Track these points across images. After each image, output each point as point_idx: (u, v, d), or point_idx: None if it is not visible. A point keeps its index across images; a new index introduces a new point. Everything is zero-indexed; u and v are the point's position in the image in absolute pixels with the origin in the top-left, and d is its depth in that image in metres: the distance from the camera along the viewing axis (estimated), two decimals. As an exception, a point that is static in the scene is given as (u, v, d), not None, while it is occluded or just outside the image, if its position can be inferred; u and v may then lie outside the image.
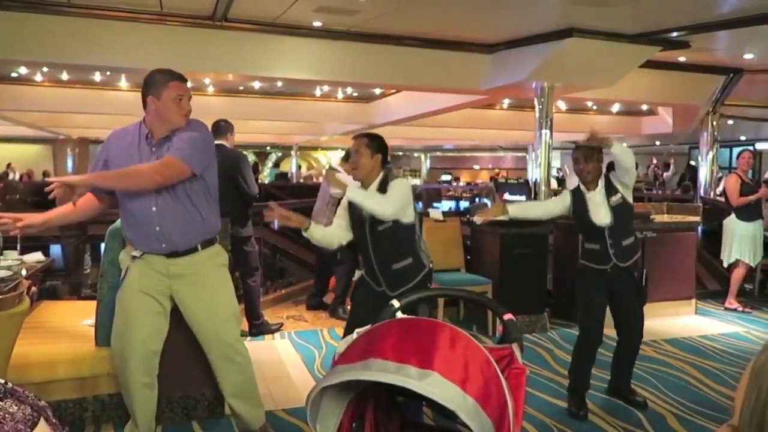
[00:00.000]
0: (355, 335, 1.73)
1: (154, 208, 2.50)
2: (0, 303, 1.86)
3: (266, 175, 20.73)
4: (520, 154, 20.47)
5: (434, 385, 1.34)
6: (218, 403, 3.16)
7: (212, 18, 5.36)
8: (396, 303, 1.89)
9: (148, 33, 5.36)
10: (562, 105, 10.25)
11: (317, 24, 5.58)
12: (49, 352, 2.89)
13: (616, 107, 10.70)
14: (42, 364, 2.82)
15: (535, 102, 6.16)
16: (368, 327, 1.72)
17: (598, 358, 3.44)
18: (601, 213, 3.26)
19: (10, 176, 15.50)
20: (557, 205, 3.50)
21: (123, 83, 8.94)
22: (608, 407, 3.39)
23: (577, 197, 3.35)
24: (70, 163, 15.10)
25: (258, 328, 4.71)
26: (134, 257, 2.58)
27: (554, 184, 11.70)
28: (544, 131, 6.10)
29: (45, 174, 16.55)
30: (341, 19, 5.43)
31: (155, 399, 2.72)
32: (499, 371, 1.54)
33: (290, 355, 4.31)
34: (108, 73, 7.98)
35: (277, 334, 4.78)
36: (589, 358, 3.36)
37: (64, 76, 8.49)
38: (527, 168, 16.44)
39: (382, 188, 2.81)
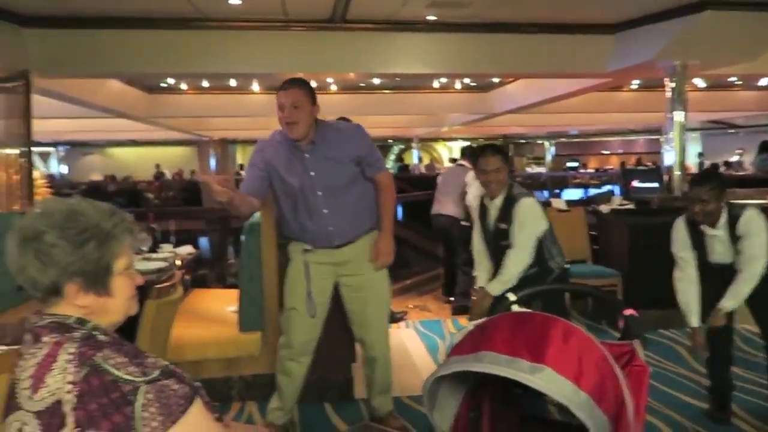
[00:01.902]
0: (471, 327, 1.78)
1: (325, 210, 2.66)
2: (158, 292, 2.13)
3: (390, 168, 21.19)
4: (654, 137, 19.11)
5: (546, 380, 1.36)
6: (349, 386, 3.36)
7: (332, 20, 5.62)
8: (511, 296, 1.92)
9: (275, 40, 5.74)
10: (699, 82, 9.43)
11: (432, 18, 5.64)
12: (199, 335, 3.25)
13: (764, 81, 9.64)
14: (194, 345, 3.17)
15: (666, 82, 5.76)
16: (483, 319, 1.77)
17: (749, 359, 3.17)
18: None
19: (165, 175, 17.24)
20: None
21: (255, 87, 9.61)
22: (756, 411, 3.14)
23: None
24: (213, 162, 16.49)
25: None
26: (306, 251, 2.74)
27: (693, 169, 10.77)
28: (676, 112, 5.68)
29: (192, 173, 18.20)
30: (454, 11, 5.45)
31: (304, 379, 2.89)
32: (616, 367, 1.52)
33: (415, 343, 4.44)
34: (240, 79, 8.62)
35: (402, 323, 4.94)
36: (724, 357, 3.11)
37: (205, 84, 9.29)
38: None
39: (507, 208, 2.88)
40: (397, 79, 8.63)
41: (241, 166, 19.02)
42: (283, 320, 2.87)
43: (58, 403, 1.14)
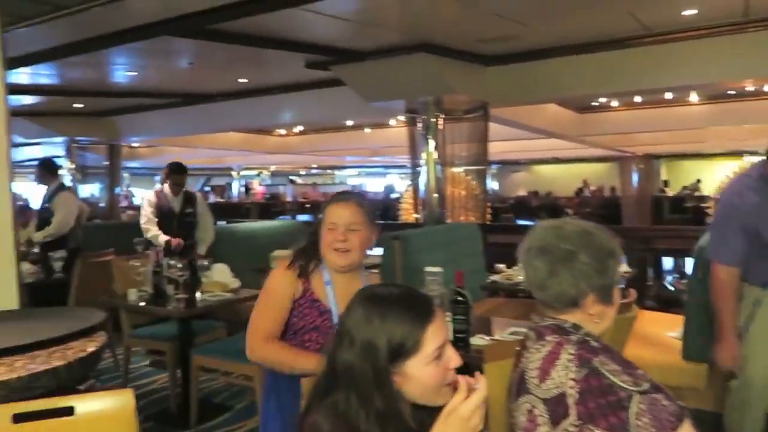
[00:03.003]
0: None
1: None
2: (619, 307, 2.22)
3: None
4: None
5: None
6: None
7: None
8: None
9: (726, 45, 5.20)
10: None
11: None
12: (641, 355, 3.20)
13: None
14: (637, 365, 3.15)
15: None
16: None
17: None
18: None
19: (585, 192, 17.55)
20: None
21: (693, 98, 8.90)
22: None
23: None
24: (635, 178, 15.95)
25: None
26: None
27: None
28: None
29: (612, 189, 17.99)
30: None
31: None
32: None
33: None
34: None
35: None
36: None
37: (638, 99, 9.09)
38: None
39: None
40: None
41: (665, 183, 17.78)
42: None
43: (563, 395, 1.33)
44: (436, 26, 5.09)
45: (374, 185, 23.74)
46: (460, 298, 2.52)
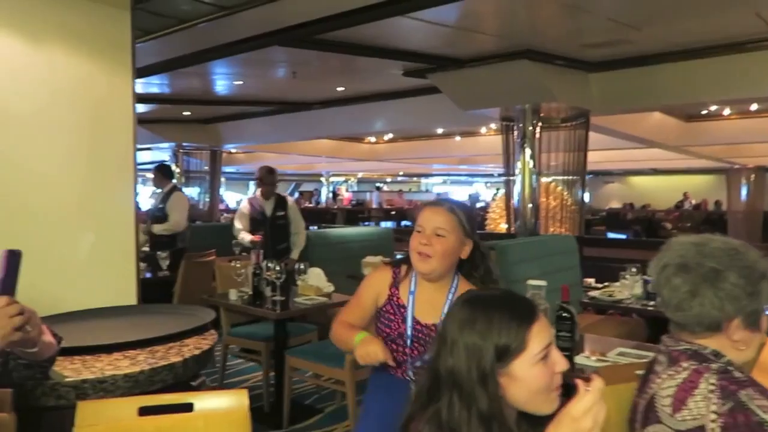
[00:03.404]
0: None
1: None
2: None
3: None
4: None
5: None
6: None
7: None
8: None
9: None
10: None
11: None
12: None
13: None
14: None
15: None
16: None
17: None
18: None
19: (685, 205, 16.53)
20: None
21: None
22: None
23: None
24: (744, 192, 14.85)
25: None
26: None
27: None
28: None
29: (717, 203, 16.83)
30: None
31: None
32: None
33: None
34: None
35: None
36: None
37: (754, 107, 8.44)
38: None
39: None
40: None
41: (779, 197, 16.40)
42: None
43: (701, 429, 1.22)
44: (541, 32, 4.99)
45: (459, 193, 23.56)
46: (565, 314, 2.41)
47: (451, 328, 1.15)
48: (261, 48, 4.65)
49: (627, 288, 4.04)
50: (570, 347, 2.39)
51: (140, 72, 5.61)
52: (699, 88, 5.56)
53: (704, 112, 8.81)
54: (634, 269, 4.05)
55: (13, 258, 1.34)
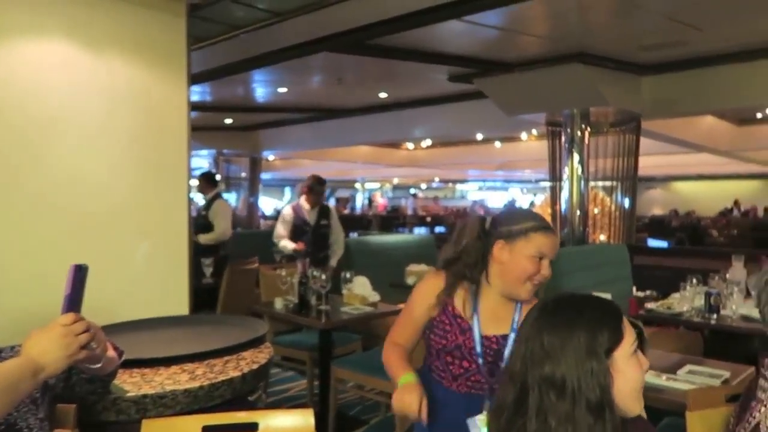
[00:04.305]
0: None
1: None
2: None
3: None
4: None
5: None
6: None
7: None
8: None
9: None
10: None
11: None
12: None
13: None
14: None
15: None
16: None
17: None
18: None
19: (734, 212, 15.96)
20: None
21: None
22: None
23: None
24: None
25: None
26: None
27: None
28: None
29: (766, 210, 16.23)
30: None
31: None
32: None
33: None
34: None
35: None
36: None
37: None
38: None
39: None
40: None
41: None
42: None
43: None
44: (595, 34, 4.86)
45: (496, 199, 23.30)
46: (634, 330, 2.28)
47: (545, 338, 1.12)
48: (310, 54, 4.63)
49: (687, 300, 3.84)
50: (639, 365, 2.26)
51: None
52: (757, 90, 5.32)
53: (759, 115, 8.47)
54: (694, 280, 3.85)
55: (80, 273, 1.30)
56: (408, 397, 1.56)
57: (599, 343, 1.08)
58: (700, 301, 3.73)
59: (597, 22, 4.52)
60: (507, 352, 1.69)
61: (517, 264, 1.70)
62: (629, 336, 1.13)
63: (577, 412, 1.06)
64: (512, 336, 1.70)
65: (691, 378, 2.35)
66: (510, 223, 1.73)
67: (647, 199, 21.48)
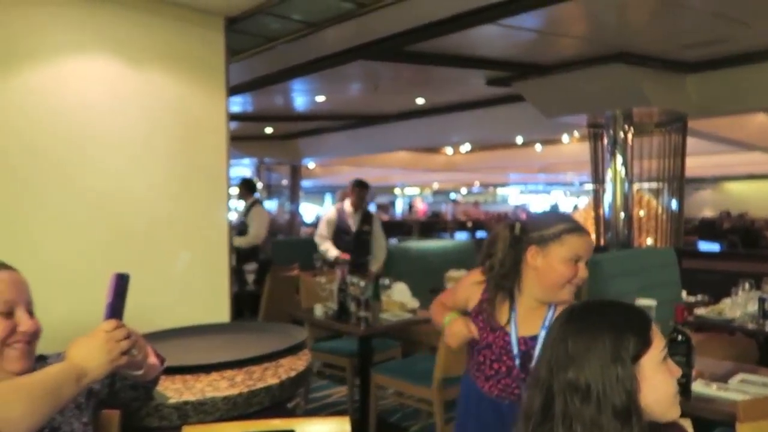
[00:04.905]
0: None
1: None
2: None
3: None
4: None
5: None
6: None
7: None
8: None
9: None
10: None
11: None
12: None
13: None
14: None
15: None
16: None
17: None
18: None
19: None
20: None
21: None
22: None
23: None
24: None
25: None
26: None
27: None
28: None
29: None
30: None
31: None
32: None
33: None
34: None
35: None
36: None
37: None
38: None
39: None
40: None
41: None
42: None
43: None
44: (637, 33, 4.74)
45: (538, 203, 22.93)
46: (680, 337, 2.20)
47: (571, 345, 1.11)
48: (345, 63, 4.67)
49: (739, 306, 3.70)
50: (687, 374, 2.18)
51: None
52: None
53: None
54: (747, 284, 3.70)
55: (122, 281, 1.34)
56: (455, 327, 1.75)
57: (624, 349, 1.07)
58: (753, 307, 3.59)
59: (638, 21, 4.40)
60: (536, 352, 1.68)
61: (553, 269, 1.67)
62: (658, 343, 1.11)
63: (603, 418, 1.04)
64: (542, 334, 1.68)
65: (743, 387, 2.26)
66: (541, 228, 1.70)
67: (697, 201, 20.74)
